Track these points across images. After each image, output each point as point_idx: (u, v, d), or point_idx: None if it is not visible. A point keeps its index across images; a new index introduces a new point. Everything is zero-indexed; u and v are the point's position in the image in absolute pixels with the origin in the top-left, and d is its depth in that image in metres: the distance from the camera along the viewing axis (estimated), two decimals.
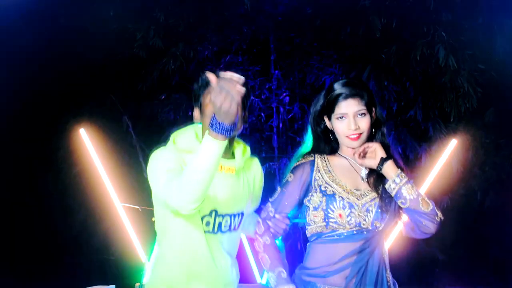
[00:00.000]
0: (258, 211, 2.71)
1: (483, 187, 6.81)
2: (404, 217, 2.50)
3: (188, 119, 6.26)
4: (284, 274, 2.42)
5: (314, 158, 2.53)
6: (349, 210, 2.42)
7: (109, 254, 7.25)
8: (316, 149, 2.56)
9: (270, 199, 2.55)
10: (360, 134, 2.45)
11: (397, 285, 2.53)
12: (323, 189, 2.45)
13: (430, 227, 2.42)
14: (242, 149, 2.61)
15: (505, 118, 6.65)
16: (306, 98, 7.02)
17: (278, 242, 2.57)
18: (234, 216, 2.55)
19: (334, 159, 2.53)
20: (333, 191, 2.45)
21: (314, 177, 2.48)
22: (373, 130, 2.53)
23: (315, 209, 2.46)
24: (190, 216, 2.39)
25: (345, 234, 2.42)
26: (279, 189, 2.53)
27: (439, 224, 2.44)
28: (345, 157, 2.53)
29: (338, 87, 2.47)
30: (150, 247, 5.64)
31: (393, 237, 4.66)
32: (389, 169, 2.42)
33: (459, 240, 6.99)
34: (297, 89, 7.08)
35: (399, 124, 6.68)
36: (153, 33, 6.63)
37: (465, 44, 6.05)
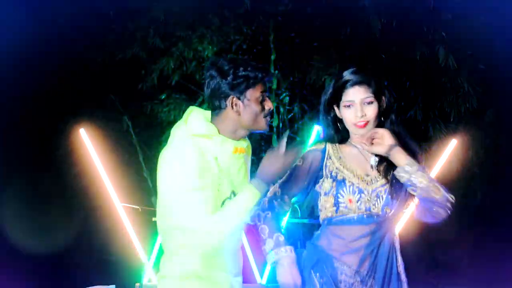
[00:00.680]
0: None
1: (483, 187, 6.81)
2: (415, 200, 2.51)
3: None
4: (282, 238, 2.48)
5: (325, 146, 2.56)
6: (358, 195, 2.46)
7: (109, 254, 7.26)
8: (328, 138, 2.59)
9: (278, 181, 2.57)
10: (367, 122, 2.47)
11: (405, 274, 2.54)
12: (333, 175, 2.49)
13: (441, 213, 2.44)
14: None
15: (505, 118, 6.66)
16: (306, 98, 7.02)
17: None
18: None
19: (344, 148, 2.57)
20: (343, 177, 2.48)
21: (325, 164, 2.53)
22: (382, 119, 2.54)
23: (326, 194, 2.49)
24: (213, 200, 2.37)
25: (355, 218, 2.45)
26: (288, 172, 2.55)
27: (451, 209, 2.44)
28: (355, 146, 2.55)
29: (346, 74, 2.51)
30: (150, 247, 5.65)
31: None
32: (398, 156, 2.42)
33: (459, 240, 6.99)
34: (297, 89, 7.08)
35: (399, 124, 6.67)
36: (153, 33, 6.63)
37: (465, 44, 6.05)
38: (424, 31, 6.04)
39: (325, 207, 2.50)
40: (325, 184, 2.50)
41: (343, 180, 2.48)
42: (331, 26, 6.49)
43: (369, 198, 2.45)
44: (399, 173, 2.42)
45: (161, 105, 7.02)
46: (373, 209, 2.45)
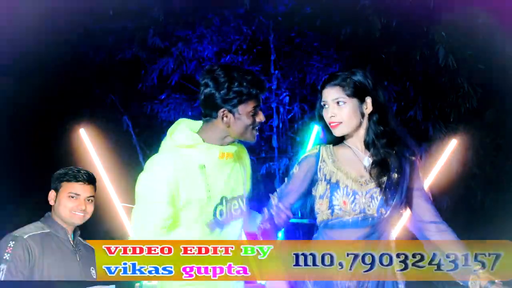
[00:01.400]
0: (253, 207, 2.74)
1: (483, 187, 6.81)
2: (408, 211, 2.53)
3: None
4: None
5: (319, 149, 2.57)
6: (353, 197, 2.46)
7: None
8: (322, 140, 2.63)
9: (277, 190, 2.58)
10: (340, 122, 2.48)
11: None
12: (327, 177, 2.50)
13: None
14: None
15: (505, 118, 6.66)
16: (306, 98, 7.02)
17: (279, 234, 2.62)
18: (240, 198, 2.60)
19: (338, 149, 2.57)
20: (337, 179, 2.49)
21: (319, 167, 2.53)
22: (363, 119, 2.54)
23: (321, 197, 2.50)
24: (202, 207, 2.43)
25: (350, 221, 2.46)
26: (286, 180, 2.59)
27: None
28: (349, 147, 2.55)
29: (326, 76, 2.58)
30: None
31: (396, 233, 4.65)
32: None
33: None
34: (297, 89, 7.08)
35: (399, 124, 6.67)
36: (152, 33, 6.63)
37: (465, 44, 6.05)
38: (424, 31, 6.04)
39: (321, 210, 2.50)
40: (320, 188, 2.50)
41: (337, 182, 2.48)
42: (331, 26, 6.50)
43: (363, 200, 2.45)
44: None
45: (161, 105, 7.02)
46: (368, 210, 2.45)
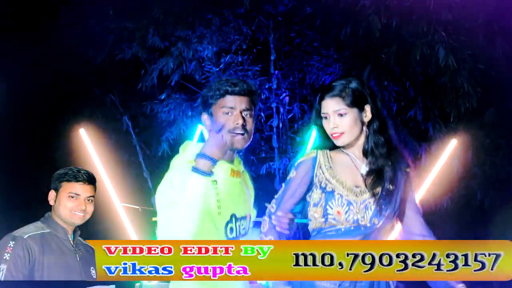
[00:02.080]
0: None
1: (483, 187, 6.81)
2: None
3: (187, 119, 6.31)
4: None
5: (316, 154, 2.55)
6: (347, 208, 2.45)
7: None
8: (319, 145, 2.59)
9: (275, 196, 2.57)
10: (342, 133, 2.48)
11: (394, 284, 2.53)
12: (323, 185, 2.48)
13: None
14: (236, 154, 2.64)
15: (505, 118, 6.66)
16: (306, 98, 7.03)
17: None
18: (247, 218, 2.62)
19: (336, 155, 2.56)
20: (332, 188, 2.47)
21: (316, 174, 2.51)
22: (364, 128, 2.53)
23: (315, 205, 2.49)
24: (213, 223, 2.44)
25: (343, 229, 2.44)
26: (283, 186, 2.57)
27: None
28: (347, 153, 2.54)
29: (322, 88, 2.56)
30: None
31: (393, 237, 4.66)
32: None
33: None
34: (297, 89, 7.09)
35: (399, 124, 6.68)
36: (152, 32, 6.64)
37: (465, 44, 6.05)
38: (424, 31, 6.04)
39: (314, 217, 2.49)
40: (315, 195, 2.49)
41: (332, 191, 2.46)
42: (331, 26, 6.50)
43: (357, 210, 2.44)
44: None
45: (161, 105, 7.01)
46: (361, 221, 2.44)
